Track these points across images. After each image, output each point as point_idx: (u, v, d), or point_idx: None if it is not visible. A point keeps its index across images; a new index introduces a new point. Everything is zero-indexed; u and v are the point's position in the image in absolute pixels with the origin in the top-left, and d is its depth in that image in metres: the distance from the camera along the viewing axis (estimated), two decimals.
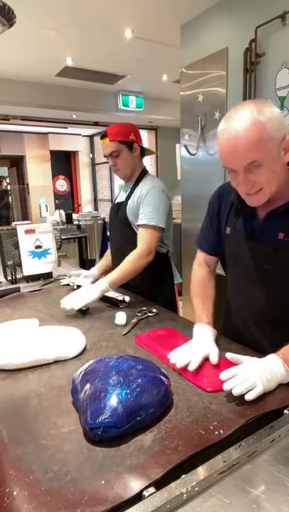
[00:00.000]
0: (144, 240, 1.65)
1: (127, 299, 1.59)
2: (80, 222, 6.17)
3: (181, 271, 1.99)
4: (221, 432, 0.75)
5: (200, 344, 1.06)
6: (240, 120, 0.89)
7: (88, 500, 0.61)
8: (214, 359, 1.00)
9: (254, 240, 1.07)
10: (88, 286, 1.57)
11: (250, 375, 0.86)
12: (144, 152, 1.83)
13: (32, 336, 1.20)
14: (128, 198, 1.78)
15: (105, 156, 1.78)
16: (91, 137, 9.14)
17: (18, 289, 1.88)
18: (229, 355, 0.98)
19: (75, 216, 6.52)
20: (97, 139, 8.85)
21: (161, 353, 1.11)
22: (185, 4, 2.90)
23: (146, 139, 7.65)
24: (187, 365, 0.98)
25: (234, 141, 0.89)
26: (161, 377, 0.88)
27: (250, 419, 0.79)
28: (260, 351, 1.01)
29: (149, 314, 1.46)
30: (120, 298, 1.59)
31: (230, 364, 0.98)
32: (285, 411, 0.82)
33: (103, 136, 1.72)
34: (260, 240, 1.05)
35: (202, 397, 0.88)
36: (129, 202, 1.76)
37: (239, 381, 0.85)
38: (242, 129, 0.88)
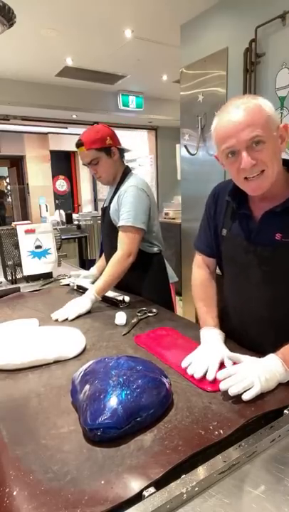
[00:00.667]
0: (123, 242, 1.62)
1: (126, 299, 1.59)
2: (80, 222, 6.17)
3: (180, 270, 1.98)
4: (221, 432, 0.75)
5: (213, 350, 1.02)
6: (238, 104, 0.92)
7: (88, 500, 0.61)
8: (228, 363, 0.97)
9: (251, 241, 1.05)
10: (76, 299, 1.55)
11: (248, 374, 0.86)
12: (123, 152, 1.78)
13: (32, 336, 1.20)
14: (111, 201, 1.75)
15: (84, 165, 1.73)
16: None
17: (18, 289, 1.88)
18: (229, 355, 0.98)
19: (75, 216, 6.52)
20: None
21: (161, 353, 1.11)
22: (185, 4, 2.90)
23: (147, 139, 7.65)
24: (205, 375, 0.95)
25: (236, 117, 0.90)
26: (162, 377, 0.88)
27: (250, 419, 0.79)
28: (259, 352, 1.00)
29: (149, 314, 1.46)
30: (120, 298, 1.59)
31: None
32: (285, 411, 0.82)
33: (79, 144, 1.66)
34: (257, 241, 1.04)
35: (202, 397, 0.88)
36: (112, 205, 1.73)
37: (236, 381, 0.85)
38: (244, 106, 0.91)
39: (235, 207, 1.09)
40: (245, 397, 0.82)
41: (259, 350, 1.01)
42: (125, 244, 1.61)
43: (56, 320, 1.44)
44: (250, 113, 0.90)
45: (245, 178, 0.95)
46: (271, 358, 0.92)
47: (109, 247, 1.80)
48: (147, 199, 1.68)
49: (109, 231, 1.75)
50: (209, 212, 1.21)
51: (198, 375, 0.95)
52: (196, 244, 1.31)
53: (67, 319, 1.44)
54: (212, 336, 1.10)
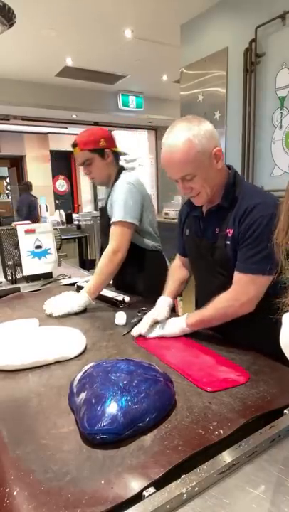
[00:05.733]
0: (112, 238, 1.62)
1: (126, 299, 1.59)
2: (80, 222, 6.17)
3: None
4: (221, 432, 0.75)
5: (154, 312, 1.30)
6: (173, 138, 1.07)
7: (88, 500, 0.61)
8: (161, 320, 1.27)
9: (199, 236, 1.27)
10: (70, 296, 1.55)
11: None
12: (119, 155, 1.79)
13: (32, 336, 1.20)
14: (107, 201, 1.77)
15: (79, 165, 1.76)
16: None
17: (18, 289, 1.88)
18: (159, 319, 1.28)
19: (75, 216, 6.53)
20: None
21: (161, 353, 1.11)
22: (185, 4, 2.91)
23: (146, 139, 7.65)
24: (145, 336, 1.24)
25: (168, 158, 1.09)
26: (164, 380, 0.87)
27: (250, 419, 0.79)
28: (225, 336, 1.21)
29: None
30: (120, 298, 1.59)
31: (228, 363, 1.02)
32: (285, 411, 0.82)
33: (74, 145, 1.69)
34: (204, 236, 1.25)
35: (202, 397, 0.88)
36: (108, 205, 1.74)
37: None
38: (174, 148, 1.07)
39: (190, 210, 1.32)
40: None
41: (219, 330, 1.22)
42: (114, 240, 1.61)
43: (50, 315, 1.48)
44: (178, 155, 1.07)
45: None
46: (180, 320, 1.23)
47: (104, 247, 1.81)
48: (138, 193, 1.68)
49: (107, 231, 1.75)
50: (180, 221, 1.43)
51: (133, 333, 1.24)
52: (177, 250, 1.52)
53: (51, 315, 1.48)
54: (161, 302, 1.37)
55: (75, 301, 1.52)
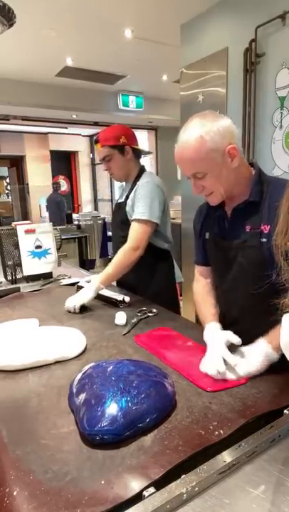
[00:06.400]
0: (133, 234, 1.64)
1: (127, 299, 1.59)
2: (80, 222, 6.17)
3: (181, 270, 1.99)
4: (221, 432, 0.75)
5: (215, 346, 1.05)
6: (185, 135, 1.05)
7: (88, 500, 0.61)
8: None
9: (226, 236, 1.18)
10: (81, 291, 1.59)
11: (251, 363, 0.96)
12: (139, 153, 1.83)
13: (32, 336, 1.20)
14: (127, 197, 1.79)
15: (100, 161, 1.81)
16: (91, 137, 9.13)
17: (18, 289, 1.88)
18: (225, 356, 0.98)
19: (75, 216, 6.53)
20: None
21: (161, 353, 1.11)
22: (185, 4, 2.90)
23: (146, 139, 7.64)
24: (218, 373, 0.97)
25: (180, 155, 1.07)
26: (164, 381, 0.86)
27: (250, 419, 0.79)
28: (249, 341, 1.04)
29: (149, 314, 1.46)
30: (120, 298, 1.59)
31: None
32: (285, 411, 0.82)
33: (96, 141, 1.75)
34: (231, 235, 1.16)
35: (202, 397, 0.88)
36: (128, 201, 1.76)
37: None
38: (186, 144, 1.04)
39: (211, 211, 1.23)
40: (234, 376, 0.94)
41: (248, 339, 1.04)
42: (135, 237, 1.63)
43: (68, 311, 1.52)
44: (189, 153, 1.04)
45: None
46: (260, 343, 0.98)
47: (120, 243, 1.82)
48: (162, 195, 1.73)
49: (122, 226, 1.78)
50: (196, 228, 1.33)
51: (211, 373, 0.97)
52: (194, 260, 1.39)
53: (74, 311, 1.51)
54: (212, 331, 1.11)
55: (87, 290, 1.56)
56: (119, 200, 1.88)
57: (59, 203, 7.18)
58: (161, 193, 1.71)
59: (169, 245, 1.84)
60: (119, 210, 1.83)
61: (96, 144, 1.75)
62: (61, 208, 7.09)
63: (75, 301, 1.52)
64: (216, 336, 1.06)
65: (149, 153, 1.95)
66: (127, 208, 1.76)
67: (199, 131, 1.03)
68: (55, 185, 7.93)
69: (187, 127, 1.06)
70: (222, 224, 1.20)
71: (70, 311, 1.52)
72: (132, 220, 1.67)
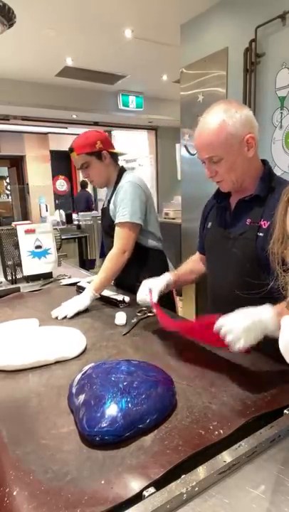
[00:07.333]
0: (118, 239, 1.64)
1: (126, 299, 1.59)
2: (80, 222, 6.17)
3: None
4: (221, 432, 0.75)
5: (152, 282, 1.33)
6: (208, 118, 1.07)
7: (88, 500, 0.61)
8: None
9: (226, 227, 1.21)
10: (75, 297, 1.57)
11: (233, 327, 0.89)
12: (116, 156, 1.80)
13: (32, 336, 1.20)
14: (109, 202, 1.78)
15: (78, 169, 1.78)
16: None
17: (18, 289, 1.88)
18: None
19: (75, 216, 6.52)
20: None
21: (185, 326, 1.20)
22: (185, 4, 2.90)
23: (146, 139, 7.64)
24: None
25: (199, 136, 1.10)
26: (164, 381, 0.86)
27: (250, 419, 0.79)
28: None
29: (149, 314, 1.45)
30: (120, 298, 1.59)
31: None
32: (285, 411, 0.82)
33: (71, 150, 1.71)
34: (232, 227, 1.19)
35: (202, 397, 0.88)
36: (111, 206, 1.75)
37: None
38: (206, 125, 1.07)
39: (217, 201, 1.26)
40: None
41: None
42: (121, 241, 1.64)
43: (56, 318, 1.46)
44: (209, 135, 1.07)
45: None
46: (264, 308, 0.90)
47: (110, 247, 1.82)
48: (143, 194, 1.70)
49: (110, 231, 1.76)
50: (202, 217, 1.38)
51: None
52: (197, 248, 1.45)
53: (66, 317, 1.45)
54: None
55: (82, 298, 1.54)
56: (104, 206, 1.87)
57: (87, 198, 8.16)
58: (141, 192, 1.69)
59: (159, 243, 1.83)
60: (105, 216, 1.83)
61: (72, 153, 1.70)
62: (89, 202, 8.08)
63: (68, 309, 1.48)
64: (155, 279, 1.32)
65: (124, 154, 1.92)
66: (111, 213, 1.75)
67: (222, 116, 1.05)
68: (83, 183, 8.30)
69: (210, 111, 1.08)
70: (224, 215, 1.24)
71: (56, 318, 1.46)
72: (116, 224, 1.66)
